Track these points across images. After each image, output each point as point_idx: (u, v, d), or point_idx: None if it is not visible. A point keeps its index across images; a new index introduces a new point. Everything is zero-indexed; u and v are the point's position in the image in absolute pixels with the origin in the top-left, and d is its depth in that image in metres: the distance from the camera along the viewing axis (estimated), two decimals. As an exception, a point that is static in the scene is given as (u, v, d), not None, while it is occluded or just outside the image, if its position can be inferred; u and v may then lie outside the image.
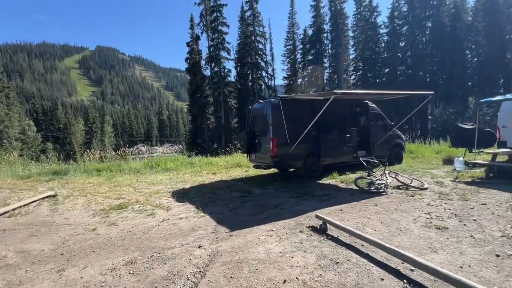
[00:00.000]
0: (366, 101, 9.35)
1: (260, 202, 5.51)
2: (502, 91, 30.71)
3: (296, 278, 2.57)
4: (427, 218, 4.04)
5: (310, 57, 38.63)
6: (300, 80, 42.17)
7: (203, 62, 31.23)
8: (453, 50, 34.86)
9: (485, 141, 9.38)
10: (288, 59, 41.85)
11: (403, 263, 2.68)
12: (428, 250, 3.02)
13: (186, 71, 31.31)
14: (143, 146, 72.63)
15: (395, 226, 3.80)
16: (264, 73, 37.72)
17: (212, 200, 5.85)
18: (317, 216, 3.94)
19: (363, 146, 9.53)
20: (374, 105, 9.54)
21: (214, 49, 30.32)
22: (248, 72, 36.42)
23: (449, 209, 4.45)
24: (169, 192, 6.77)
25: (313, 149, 7.82)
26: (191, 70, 30.19)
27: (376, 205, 4.86)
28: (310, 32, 39.42)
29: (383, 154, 9.43)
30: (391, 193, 5.66)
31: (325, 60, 39.54)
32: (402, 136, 10.05)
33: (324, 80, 39.03)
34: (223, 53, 30.41)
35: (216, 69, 30.69)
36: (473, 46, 35.44)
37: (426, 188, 5.92)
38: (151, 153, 50.65)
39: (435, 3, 35.36)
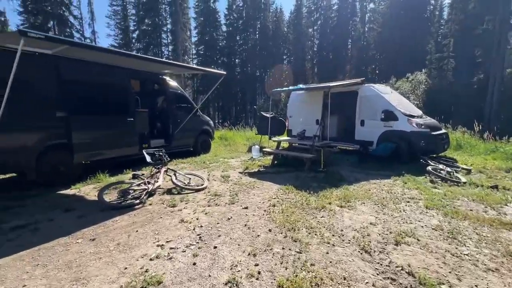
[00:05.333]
0: (164, 77, 7.45)
1: None
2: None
3: None
4: (151, 260, 2.42)
5: (145, 28, 33.31)
6: (135, 52, 35.78)
7: None
8: (274, 52, 41.85)
9: (278, 129, 10.25)
10: (117, 24, 34.06)
11: None
12: None
13: None
14: None
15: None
16: (77, 34, 28.32)
17: None
18: None
19: (159, 133, 7.67)
20: (176, 84, 7.84)
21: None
22: (50, 26, 25.84)
23: (202, 225, 3.17)
24: None
25: (58, 139, 4.89)
26: None
27: (93, 239, 2.83)
28: (145, -3, 33.76)
29: (186, 143, 8.06)
30: (150, 204, 3.93)
31: (164, 36, 35.59)
32: (211, 121, 9.17)
33: (163, 59, 35.17)
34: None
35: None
36: (286, 51, 43.85)
37: (204, 188, 4.73)
38: None
39: (262, 6, 40.46)
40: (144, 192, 4.10)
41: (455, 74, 31.19)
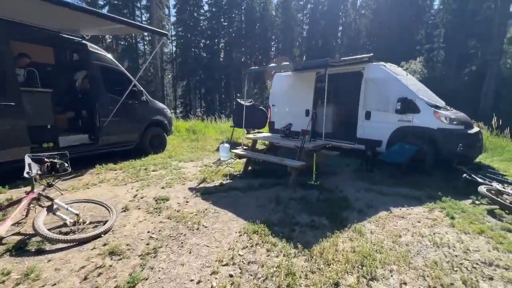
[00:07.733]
0: (86, 43, 5.03)
1: None
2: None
3: None
4: None
5: (116, 2, 29.45)
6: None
7: None
8: (261, 36, 39.06)
9: (258, 121, 8.12)
10: (83, -3, 29.89)
11: None
12: None
13: None
14: None
15: None
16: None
17: None
18: None
19: (81, 125, 5.37)
20: (109, 56, 5.44)
21: None
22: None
23: None
24: None
25: None
26: None
27: None
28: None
29: (125, 139, 5.73)
30: None
31: (138, 13, 31.87)
32: (166, 110, 6.85)
33: (136, 39, 31.66)
34: None
35: None
36: (274, 37, 41.16)
37: (99, 235, 2.55)
38: None
39: (248, -15, 37.20)
40: None
41: (445, 65, 30.01)
